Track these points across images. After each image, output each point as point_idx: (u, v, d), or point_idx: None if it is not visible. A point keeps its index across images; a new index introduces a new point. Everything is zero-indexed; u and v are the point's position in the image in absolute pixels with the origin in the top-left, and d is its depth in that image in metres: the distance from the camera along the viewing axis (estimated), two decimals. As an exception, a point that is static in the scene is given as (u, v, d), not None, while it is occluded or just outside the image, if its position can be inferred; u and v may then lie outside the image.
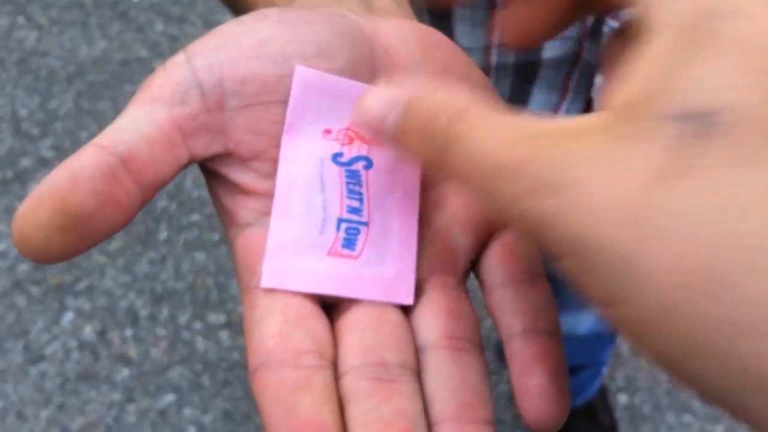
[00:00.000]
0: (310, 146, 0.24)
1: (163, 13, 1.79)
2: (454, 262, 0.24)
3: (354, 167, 0.24)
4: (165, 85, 0.22)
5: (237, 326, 1.40)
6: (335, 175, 0.24)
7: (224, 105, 0.23)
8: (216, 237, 1.49)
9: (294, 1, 0.28)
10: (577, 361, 1.11)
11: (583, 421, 1.24)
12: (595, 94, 0.51)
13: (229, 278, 1.44)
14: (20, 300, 1.43)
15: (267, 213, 0.23)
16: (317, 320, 0.22)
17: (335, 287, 0.22)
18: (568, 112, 0.54)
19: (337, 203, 0.23)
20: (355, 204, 0.24)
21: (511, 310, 0.23)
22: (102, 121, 1.62)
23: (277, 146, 0.23)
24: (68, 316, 1.41)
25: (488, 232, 0.25)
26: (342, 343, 0.22)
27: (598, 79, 0.50)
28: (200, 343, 1.38)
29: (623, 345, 1.39)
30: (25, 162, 1.59)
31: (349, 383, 0.21)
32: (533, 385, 0.21)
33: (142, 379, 1.35)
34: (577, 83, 0.52)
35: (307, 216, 0.23)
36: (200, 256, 1.47)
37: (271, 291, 0.22)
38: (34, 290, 1.44)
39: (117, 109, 1.64)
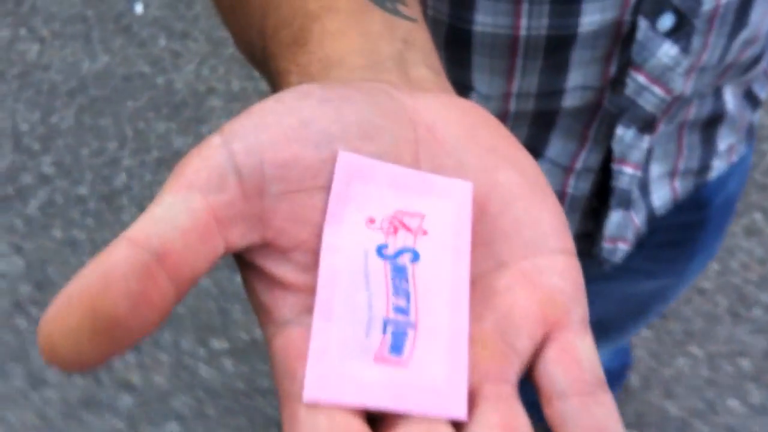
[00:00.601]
0: (353, 237, 0.22)
1: (166, 29, 1.78)
2: (508, 367, 0.22)
3: (400, 261, 0.23)
4: (201, 170, 0.21)
5: (240, 353, 1.39)
6: (380, 270, 0.22)
7: (264, 191, 0.21)
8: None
9: (330, 72, 0.27)
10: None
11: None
12: (615, 144, 0.51)
13: (231, 303, 1.44)
14: (21, 322, 1.41)
15: (307, 309, 0.22)
16: None
17: (384, 400, 0.21)
18: (587, 161, 0.53)
19: (383, 302, 0.22)
20: (402, 303, 0.22)
21: (575, 425, 0.21)
22: (103, 137, 1.61)
23: (317, 236, 0.22)
24: (70, 340, 1.40)
25: (544, 333, 0.23)
26: None
27: (619, 130, 0.50)
28: (203, 370, 1.38)
29: (633, 380, 1.40)
30: (26, 178, 1.57)
31: None
32: None
33: (144, 406, 1.35)
34: (597, 132, 0.51)
35: (351, 316, 0.22)
36: (202, 279, 1.46)
37: (314, 404, 0.20)
38: (35, 312, 1.43)
39: (118, 124, 1.63)
